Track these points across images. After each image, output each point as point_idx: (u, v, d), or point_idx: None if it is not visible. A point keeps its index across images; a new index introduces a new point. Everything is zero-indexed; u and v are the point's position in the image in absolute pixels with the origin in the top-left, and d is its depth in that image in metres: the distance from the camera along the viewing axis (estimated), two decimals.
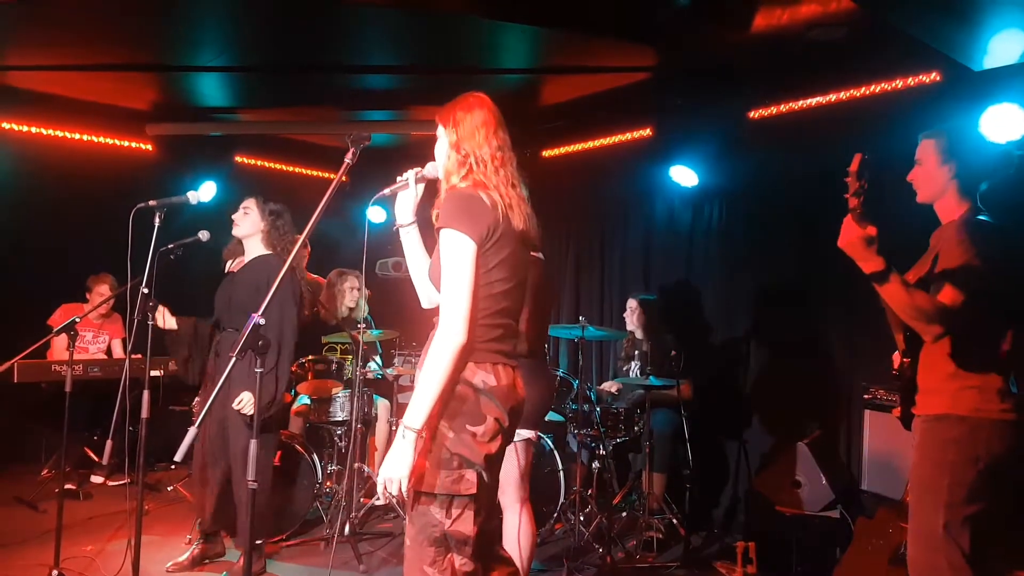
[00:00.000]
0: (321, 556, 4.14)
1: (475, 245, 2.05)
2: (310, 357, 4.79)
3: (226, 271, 4.04)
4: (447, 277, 2.05)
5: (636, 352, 5.20)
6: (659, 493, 4.61)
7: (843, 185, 2.19)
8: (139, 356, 3.99)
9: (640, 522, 4.41)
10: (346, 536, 4.13)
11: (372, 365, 5.00)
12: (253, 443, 2.23)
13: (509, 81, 5.20)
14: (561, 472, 4.51)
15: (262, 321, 2.15)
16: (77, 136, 5.83)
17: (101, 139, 5.94)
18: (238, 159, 6.67)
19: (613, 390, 5.20)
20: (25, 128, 5.65)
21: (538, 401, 3.05)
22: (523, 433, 3.03)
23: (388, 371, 5.05)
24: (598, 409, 4.66)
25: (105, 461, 4.31)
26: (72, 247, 5.69)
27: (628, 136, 5.69)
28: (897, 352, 2.71)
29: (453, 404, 2.06)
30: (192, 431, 1.99)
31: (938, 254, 2.41)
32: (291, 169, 7.06)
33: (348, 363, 4.89)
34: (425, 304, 2.43)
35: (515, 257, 2.16)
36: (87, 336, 5.53)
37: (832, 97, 4.60)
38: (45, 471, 5.16)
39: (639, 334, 5.18)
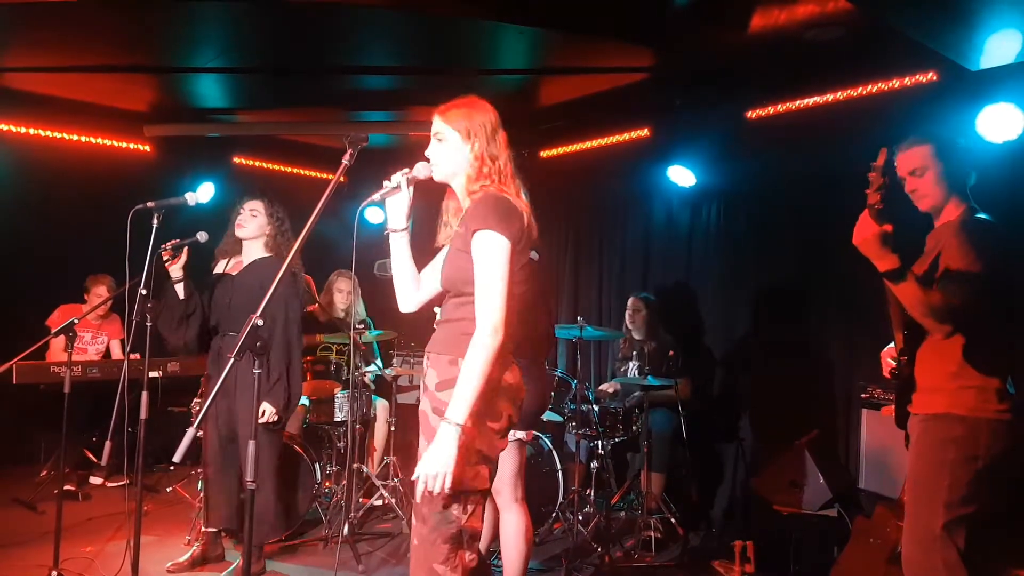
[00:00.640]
0: (320, 556, 4.14)
1: (511, 247, 2.08)
2: (309, 358, 4.78)
3: (219, 271, 3.91)
4: (487, 278, 2.06)
5: (634, 352, 5.19)
6: (657, 493, 4.62)
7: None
8: (137, 357, 3.99)
9: (638, 522, 4.41)
10: (345, 536, 4.13)
11: (372, 367, 5.00)
12: (252, 444, 2.23)
13: (507, 81, 5.20)
14: (560, 472, 4.51)
15: (260, 322, 2.16)
16: (75, 137, 5.83)
17: (99, 140, 5.93)
18: (236, 160, 6.67)
19: (611, 391, 5.21)
20: (23, 129, 5.64)
21: (532, 402, 3.06)
22: (517, 434, 3.05)
23: (387, 371, 5.06)
24: (596, 409, 4.66)
25: (104, 462, 4.30)
26: (71, 248, 5.68)
27: (626, 136, 5.69)
28: (886, 350, 2.71)
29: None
30: (191, 432, 1.99)
31: (939, 255, 2.41)
32: (289, 170, 7.06)
33: (343, 362, 4.89)
34: (404, 307, 2.43)
35: (531, 262, 2.23)
36: (85, 337, 5.52)
37: (829, 97, 4.61)
38: (44, 472, 5.14)
39: (639, 334, 5.18)
